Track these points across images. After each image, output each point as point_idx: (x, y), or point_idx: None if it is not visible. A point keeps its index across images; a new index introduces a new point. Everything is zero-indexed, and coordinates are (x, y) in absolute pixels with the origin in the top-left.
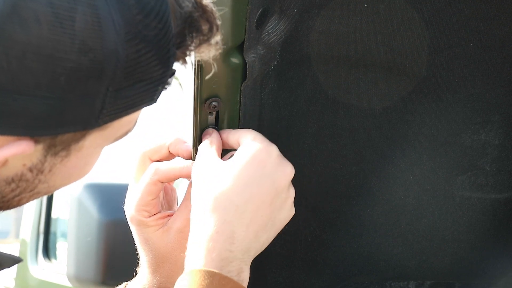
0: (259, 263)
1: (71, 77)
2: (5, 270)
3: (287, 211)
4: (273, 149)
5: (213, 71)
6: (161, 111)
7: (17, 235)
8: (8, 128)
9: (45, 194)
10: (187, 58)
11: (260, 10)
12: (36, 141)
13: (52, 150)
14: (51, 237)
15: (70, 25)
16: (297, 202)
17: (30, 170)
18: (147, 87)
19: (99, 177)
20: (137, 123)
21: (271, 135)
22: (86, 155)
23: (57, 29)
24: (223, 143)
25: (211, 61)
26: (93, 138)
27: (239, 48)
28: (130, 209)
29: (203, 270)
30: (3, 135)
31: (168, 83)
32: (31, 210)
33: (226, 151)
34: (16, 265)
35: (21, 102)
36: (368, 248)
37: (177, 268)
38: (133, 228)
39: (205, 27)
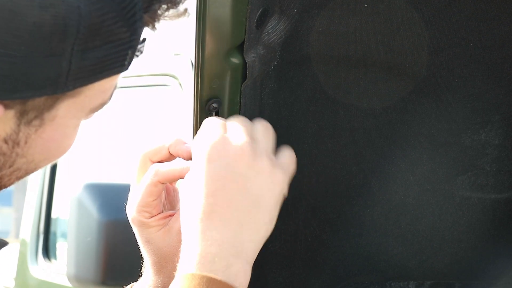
0: (259, 263)
1: (34, 34)
2: None
3: (264, 180)
4: (203, 137)
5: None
6: (161, 112)
7: (17, 235)
8: None
9: (26, 172)
10: (156, 24)
11: (260, 10)
12: (6, 106)
13: (24, 118)
14: (51, 237)
15: None
16: (297, 202)
17: (5, 141)
18: (115, 49)
19: (99, 177)
20: (112, 95)
21: None
22: (61, 125)
23: None
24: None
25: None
26: (66, 106)
27: (239, 48)
28: (132, 210)
29: (190, 274)
30: None
31: (139, 50)
32: (31, 210)
33: None
34: (15, 265)
35: None
36: (368, 248)
37: None
38: (135, 229)
39: None
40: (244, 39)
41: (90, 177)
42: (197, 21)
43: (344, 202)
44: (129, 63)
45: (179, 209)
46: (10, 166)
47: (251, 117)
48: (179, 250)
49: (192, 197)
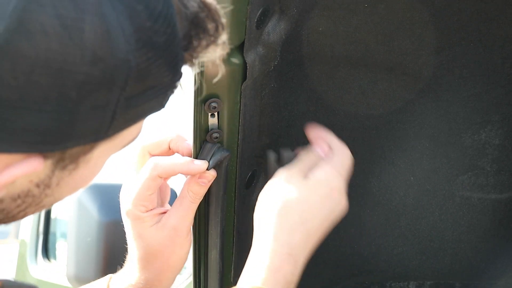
0: None
1: (81, 90)
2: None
3: (339, 212)
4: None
5: (220, 73)
6: (161, 112)
7: (16, 236)
8: (16, 146)
9: (49, 206)
10: (194, 60)
11: (260, 10)
12: (45, 157)
13: (60, 164)
14: (51, 237)
15: (79, 36)
16: None
17: (37, 185)
18: (157, 93)
19: (99, 178)
20: (142, 128)
21: (271, 135)
22: (94, 165)
23: (65, 41)
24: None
25: (218, 61)
26: (101, 148)
27: (239, 48)
28: (127, 203)
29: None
30: (10, 153)
31: (176, 87)
32: None
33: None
34: (15, 266)
35: (29, 118)
36: (369, 248)
37: (167, 266)
38: (127, 222)
39: (211, 27)
40: (244, 39)
41: None
42: None
43: None
44: (167, 102)
45: (172, 206)
46: (36, 205)
47: (251, 117)
48: (169, 248)
49: (305, 211)
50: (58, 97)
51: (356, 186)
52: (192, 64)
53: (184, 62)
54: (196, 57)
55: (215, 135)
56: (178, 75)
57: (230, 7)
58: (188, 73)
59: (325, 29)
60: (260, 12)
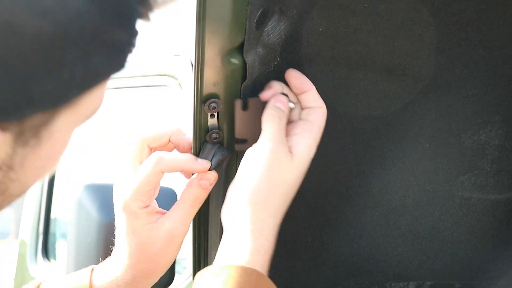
0: None
1: (34, 47)
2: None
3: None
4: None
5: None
6: (161, 112)
7: (16, 236)
8: None
9: (18, 196)
10: (150, 14)
11: (260, 10)
12: (3, 129)
13: (21, 139)
14: (51, 237)
15: None
16: (297, 202)
17: None
18: (116, 51)
19: (99, 178)
20: (104, 97)
21: None
22: (58, 140)
23: None
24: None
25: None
26: (64, 119)
27: (239, 49)
28: (124, 196)
29: (244, 267)
30: None
31: (135, 45)
32: (30, 210)
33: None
34: (15, 266)
35: None
36: (368, 249)
37: (156, 267)
38: (122, 217)
39: None
40: (244, 40)
41: (90, 178)
42: (197, 21)
43: (345, 203)
44: (126, 62)
45: (171, 210)
46: (2, 194)
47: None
48: (162, 251)
49: (279, 189)
50: (9, 56)
51: (356, 186)
52: (147, 19)
53: (140, 16)
54: (151, 11)
55: (214, 135)
56: (135, 32)
57: (230, 7)
58: (188, 74)
59: (325, 30)
60: (260, 13)
